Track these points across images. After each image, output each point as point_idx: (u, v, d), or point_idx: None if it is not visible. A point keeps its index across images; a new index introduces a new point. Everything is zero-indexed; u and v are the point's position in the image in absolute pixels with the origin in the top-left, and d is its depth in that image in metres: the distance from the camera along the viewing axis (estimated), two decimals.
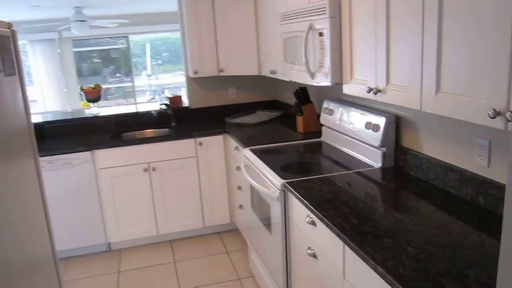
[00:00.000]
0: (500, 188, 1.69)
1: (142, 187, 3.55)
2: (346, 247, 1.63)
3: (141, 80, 12.04)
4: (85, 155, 3.39)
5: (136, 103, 9.46)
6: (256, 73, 3.61)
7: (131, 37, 9.83)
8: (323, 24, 2.20)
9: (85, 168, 3.42)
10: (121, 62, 11.45)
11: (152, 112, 3.90)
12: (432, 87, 1.53)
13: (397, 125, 2.36)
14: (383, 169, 2.36)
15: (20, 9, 5.40)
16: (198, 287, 3.07)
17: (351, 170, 2.37)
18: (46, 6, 5.22)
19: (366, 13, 1.92)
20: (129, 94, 11.73)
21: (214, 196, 3.73)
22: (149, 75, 12.96)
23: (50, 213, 3.09)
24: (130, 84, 11.27)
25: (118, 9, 6.46)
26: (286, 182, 2.21)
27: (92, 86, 4.08)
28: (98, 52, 10.87)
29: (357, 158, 2.56)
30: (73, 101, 8.24)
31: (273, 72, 3.24)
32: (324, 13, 2.16)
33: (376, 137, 2.36)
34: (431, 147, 2.11)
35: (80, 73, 10.42)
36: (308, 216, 1.96)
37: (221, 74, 3.79)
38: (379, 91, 1.87)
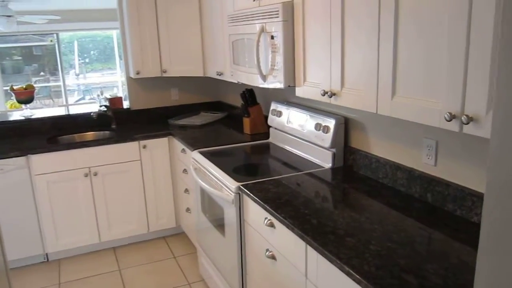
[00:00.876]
0: (447, 185, 1.80)
1: (83, 193, 3.39)
2: (309, 247, 1.66)
3: (69, 80, 11.47)
4: (19, 160, 3.17)
5: (67, 104, 9.00)
6: (201, 75, 3.57)
7: (60, 34, 9.32)
8: (275, 27, 2.22)
9: (19, 174, 3.20)
10: (45, 60, 10.84)
11: (91, 114, 3.73)
12: (388, 91, 1.60)
13: (345, 126, 2.44)
14: (333, 169, 2.43)
15: None
16: None
17: (303, 171, 2.41)
18: None
19: (320, 16, 1.96)
20: (55, 94, 11.13)
21: (159, 200, 3.64)
22: (77, 74, 12.39)
23: None
24: (57, 83, 10.69)
25: (48, 5, 6.09)
26: (241, 185, 2.21)
27: (24, 86, 3.82)
28: (19, 49, 10.20)
29: (307, 159, 2.61)
30: None
31: (220, 73, 3.22)
32: (277, 17, 2.18)
33: (326, 139, 2.42)
34: (380, 147, 2.20)
35: (3, 71, 9.73)
36: (266, 218, 1.97)
37: (165, 75, 3.71)
38: (334, 94, 1.92)
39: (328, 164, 2.46)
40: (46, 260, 3.49)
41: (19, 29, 5.65)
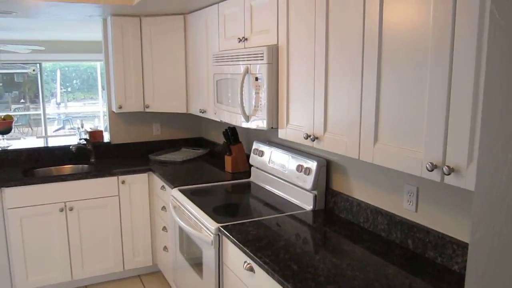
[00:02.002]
0: (427, 232, 1.80)
1: (57, 229, 3.28)
2: None
3: (49, 108, 11.34)
4: None
5: (46, 136, 8.85)
6: (184, 111, 3.57)
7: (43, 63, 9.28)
8: (260, 69, 2.25)
9: None
10: (26, 88, 10.75)
11: (70, 147, 3.66)
12: (370, 138, 1.61)
13: (327, 168, 2.44)
14: (314, 211, 2.41)
15: None
16: None
17: (284, 213, 2.39)
18: None
19: (304, 60, 1.99)
20: (35, 122, 10.97)
21: (136, 237, 3.55)
22: (58, 103, 12.29)
23: None
24: (37, 112, 10.56)
25: (31, 35, 6.08)
26: (221, 226, 2.17)
27: (2, 117, 3.75)
28: (0, 76, 10.10)
29: (288, 200, 2.59)
30: None
31: (203, 111, 3.22)
32: (262, 59, 2.21)
33: (307, 180, 2.42)
34: (361, 191, 2.21)
35: None
36: (246, 262, 1.93)
37: (147, 110, 3.70)
38: (317, 138, 1.93)
39: (309, 206, 2.44)
40: None
41: (1, 58, 5.59)
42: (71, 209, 3.28)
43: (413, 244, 1.88)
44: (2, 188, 3.10)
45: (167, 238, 3.24)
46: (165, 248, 3.32)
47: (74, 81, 12.19)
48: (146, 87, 3.66)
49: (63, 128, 11.56)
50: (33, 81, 10.06)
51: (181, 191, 2.81)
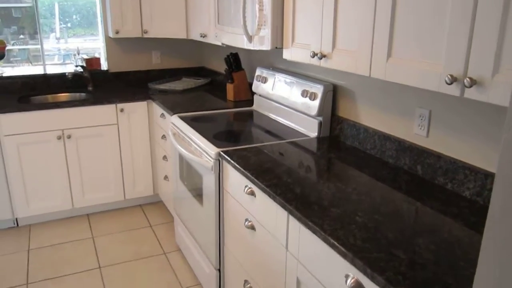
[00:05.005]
0: (439, 157, 1.70)
1: (56, 157, 3.22)
2: (291, 217, 1.55)
3: (49, 43, 11.06)
4: None
5: (44, 64, 8.65)
6: (184, 37, 3.39)
7: None
8: None
9: None
10: (25, 23, 10.43)
11: (66, 74, 3.53)
12: (383, 52, 1.47)
13: (334, 94, 2.32)
14: (319, 138, 2.31)
15: None
16: (120, 263, 2.87)
17: (287, 139, 2.29)
18: None
19: None
20: (35, 58, 10.74)
21: (136, 166, 3.50)
22: (57, 38, 11.97)
23: None
24: (37, 46, 10.30)
25: None
26: (221, 151, 2.08)
27: None
28: None
29: (291, 128, 2.49)
30: None
31: (203, 35, 3.04)
32: None
33: (312, 106, 2.30)
34: (369, 117, 2.09)
35: None
36: (247, 186, 1.86)
37: (145, 36, 3.52)
38: (324, 56, 1.79)
39: (313, 133, 2.34)
40: (15, 225, 3.34)
41: None
42: (69, 137, 3.20)
43: (422, 170, 1.79)
44: None
45: (168, 167, 3.18)
46: (165, 177, 3.27)
47: (74, 17, 11.79)
48: (144, 10, 3.46)
49: (63, 63, 11.33)
50: (32, 16, 9.71)
51: (181, 117, 2.71)
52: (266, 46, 2.13)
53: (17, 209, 3.23)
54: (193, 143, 2.36)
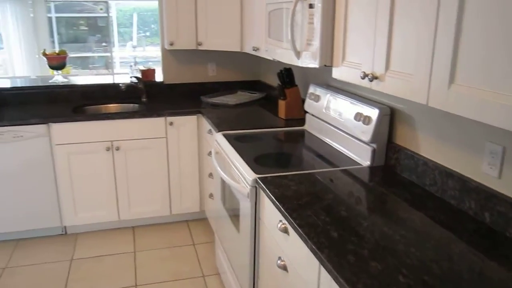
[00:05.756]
0: None
1: (104, 168, 3.20)
2: (322, 268, 1.32)
3: (125, 51, 11.53)
4: (40, 128, 3.01)
5: (113, 74, 8.99)
6: (238, 49, 3.25)
7: (116, 5, 9.32)
8: None
9: (39, 142, 3.04)
10: (107, 31, 10.98)
11: (120, 85, 3.52)
12: (445, 76, 1.21)
13: (391, 118, 2.05)
14: (371, 168, 2.05)
15: None
16: (157, 283, 2.76)
17: (334, 167, 2.06)
18: None
19: None
20: (113, 64, 11.23)
21: (183, 181, 3.40)
22: (134, 47, 12.45)
23: None
24: (107, 54, 10.77)
25: None
26: (259, 178, 1.89)
27: (56, 52, 3.67)
28: (85, 20, 10.32)
29: (342, 153, 2.25)
30: (45, 67, 7.73)
31: (256, 49, 2.89)
32: None
33: (366, 131, 2.04)
34: (430, 147, 1.80)
35: (69, 40, 9.95)
36: (280, 221, 1.65)
37: (200, 48, 3.43)
38: (376, 78, 1.55)
39: (366, 162, 2.08)
40: (64, 233, 3.36)
41: None
42: (117, 148, 3.17)
43: (491, 218, 1.48)
44: (50, 123, 3.03)
45: (212, 185, 3.04)
46: (210, 195, 3.13)
47: (152, 26, 12.22)
48: (199, 22, 3.37)
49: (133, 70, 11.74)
50: (116, 25, 10.22)
51: (225, 136, 2.56)
52: (314, 63, 1.92)
53: (65, 217, 3.24)
54: (232, 166, 2.19)
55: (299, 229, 1.44)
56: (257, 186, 1.91)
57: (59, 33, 9.82)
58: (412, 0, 1.34)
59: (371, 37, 1.57)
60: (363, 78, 1.61)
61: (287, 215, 1.55)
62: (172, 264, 2.95)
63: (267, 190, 1.76)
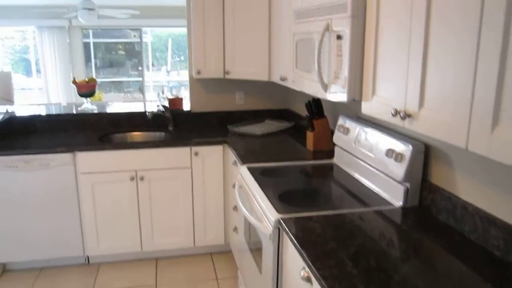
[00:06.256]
0: None
1: (128, 197, 3.15)
2: None
3: (160, 75, 11.75)
4: (65, 156, 3.00)
5: (144, 100, 9.13)
6: (266, 79, 3.18)
7: (152, 30, 9.55)
8: (342, 24, 1.76)
9: (64, 171, 3.03)
10: (143, 56, 11.25)
11: (147, 113, 3.50)
12: (487, 119, 1.08)
13: (425, 155, 1.90)
14: (404, 209, 1.90)
15: None
16: None
17: (364, 206, 1.92)
18: None
19: (397, 11, 1.47)
20: (147, 88, 11.46)
21: (208, 213, 3.31)
22: (168, 71, 12.68)
23: (22, 218, 2.87)
24: (139, 79, 11.00)
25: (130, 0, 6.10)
26: (282, 218, 1.77)
27: (86, 80, 3.71)
28: (124, 45, 10.62)
29: (373, 191, 2.11)
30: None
31: (283, 79, 2.80)
32: (345, 11, 1.72)
33: (398, 169, 1.90)
34: (470, 189, 1.65)
35: (101, 65, 10.25)
36: (303, 269, 1.52)
37: (227, 76, 3.38)
38: (409, 115, 1.42)
39: (398, 202, 1.94)
40: (87, 262, 3.31)
41: (99, 23, 5.67)
42: (141, 178, 3.12)
43: None
44: (76, 152, 3.02)
45: (237, 219, 2.93)
46: (235, 229, 3.02)
47: (187, 51, 12.45)
48: (227, 51, 3.33)
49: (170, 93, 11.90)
50: (147, 50, 10.47)
51: (250, 169, 2.46)
52: (343, 97, 1.81)
53: (88, 247, 3.20)
54: (255, 202, 2.09)
55: (322, 282, 1.31)
56: (280, 227, 1.79)
57: (96, 58, 10.11)
58: (448, 32, 1.22)
59: (403, 70, 1.46)
60: (394, 115, 1.49)
61: (311, 264, 1.42)
62: None
63: (290, 234, 1.63)
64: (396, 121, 1.49)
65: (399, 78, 1.48)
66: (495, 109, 1.06)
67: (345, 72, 1.78)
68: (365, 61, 1.72)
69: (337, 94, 1.87)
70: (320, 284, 1.34)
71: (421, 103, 1.37)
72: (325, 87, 1.95)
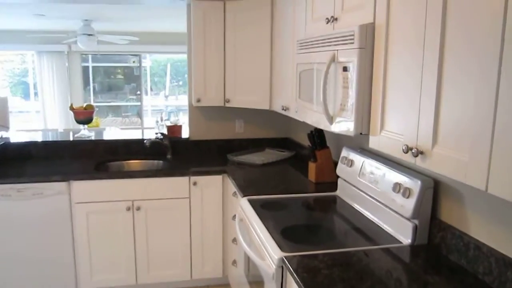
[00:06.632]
0: None
1: (123, 228, 3.05)
2: None
3: (158, 100, 11.75)
4: (60, 185, 2.92)
5: (142, 127, 9.07)
6: (267, 108, 3.13)
7: (151, 55, 9.59)
8: (349, 56, 1.72)
9: (59, 200, 2.94)
10: (142, 81, 11.26)
11: (144, 141, 3.43)
12: (509, 160, 1.02)
13: (435, 191, 1.83)
14: (413, 247, 1.82)
15: (24, 17, 5.08)
16: None
17: (371, 244, 1.83)
18: (51, 16, 4.88)
19: (409, 44, 1.42)
20: (145, 112, 11.43)
21: (206, 245, 3.20)
22: (166, 96, 12.69)
23: (14, 248, 2.74)
24: (137, 103, 10.98)
25: (129, 26, 6.09)
26: (285, 257, 1.69)
27: (84, 106, 3.65)
28: (122, 69, 10.64)
29: (379, 227, 2.02)
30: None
31: (285, 108, 2.75)
32: (352, 42, 1.68)
33: (407, 205, 1.83)
34: (483, 228, 1.57)
35: (99, 89, 10.23)
36: None
37: (228, 105, 3.33)
38: (421, 152, 1.36)
39: (407, 239, 1.85)
40: None
41: (99, 48, 5.66)
42: (138, 208, 3.03)
43: None
44: (71, 181, 2.93)
45: (236, 252, 2.83)
46: (234, 262, 2.92)
47: (186, 75, 12.50)
48: (228, 79, 3.29)
49: (168, 119, 11.87)
50: (146, 75, 10.49)
51: (250, 201, 2.38)
52: (349, 131, 1.75)
53: (81, 280, 3.07)
54: (257, 238, 2.00)
55: None
56: (283, 266, 1.70)
57: (95, 82, 10.10)
58: (466, 66, 1.17)
59: (414, 105, 1.40)
60: (405, 152, 1.42)
61: None
62: None
63: (295, 275, 1.55)
64: (408, 158, 1.42)
65: (410, 113, 1.43)
66: None
67: (352, 104, 1.72)
68: (373, 94, 1.67)
69: (343, 127, 1.81)
70: None
71: (434, 140, 1.30)
72: (331, 120, 1.89)
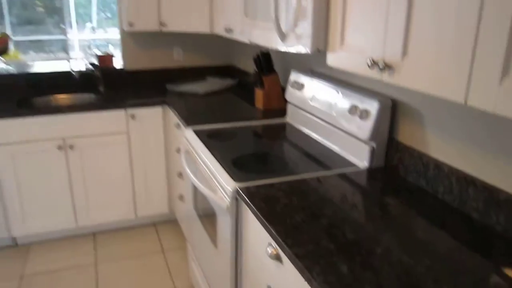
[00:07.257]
0: None
1: (56, 169, 2.79)
2: None
3: (84, 34, 10.88)
4: None
5: (68, 58, 8.38)
6: (207, 31, 2.87)
7: None
8: None
9: None
10: (65, 13, 10.29)
11: (73, 72, 3.09)
12: (494, 69, 0.91)
13: (393, 112, 1.75)
14: (370, 170, 1.75)
15: None
16: None
17: (327, 169, 1.75)
18: None
19: None
20: (72, 47, 10.59)
21: (149, 181, 3.03)
22: (93, 28, 11.76)
23: None
24: (62, 37, 10.11)
25: None
26: (240, 187, 1.56)
27: None
28: (42, 1, 9.60)
29: (334, 152, 1.94)
30: None
31: (229, 30, 2.52)
32: None
33: (363, 127, 1.74)
34: (443, 147, 1.52)
35: (29, 22, 9.23)
36: (270, 245, 1.33)
37: (163, 29, 3.03)
38: (389, 67, 1.23)
39: (363, 162, 1.79)
40: (14, 244, 2.94)
41: None
42: (71, 147, 2.76)
43: None
44: None
45: (183, 186, 2.69)
46: (180, 197, 2.79)
47: (113, 6, 11.56)
48: (163, 0, 2.96)
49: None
50: (73, 6, 9.56)
51: (196, 132, 2.20)
52: (305, 47, 1.59)
53: (12, 227, 2.83)
54: (207, 170, 1.85)
55: (299, 263, 1.13)
56: (238, 197, 1.58)
57: (11, 15, 9.09)
58: None
59: (381, 10, 1.25)
60: (371, 67, 1.29)
61: (281, 241, 1.23)
62: (138, 278, 2.61)
63: (253, 207, 1.43)
64: (374, 74, 1.29)
65: (376, 22, 1.28)
66: (506, 55, 0.89)
67: (308, 17, 1.54)
68: (331, 4, 1.50)
69: (297, 45, 1.64)
70: (295, 265, 1.15)
71: (404, 50, 1.17)
72: (283, 37, 1.71)
